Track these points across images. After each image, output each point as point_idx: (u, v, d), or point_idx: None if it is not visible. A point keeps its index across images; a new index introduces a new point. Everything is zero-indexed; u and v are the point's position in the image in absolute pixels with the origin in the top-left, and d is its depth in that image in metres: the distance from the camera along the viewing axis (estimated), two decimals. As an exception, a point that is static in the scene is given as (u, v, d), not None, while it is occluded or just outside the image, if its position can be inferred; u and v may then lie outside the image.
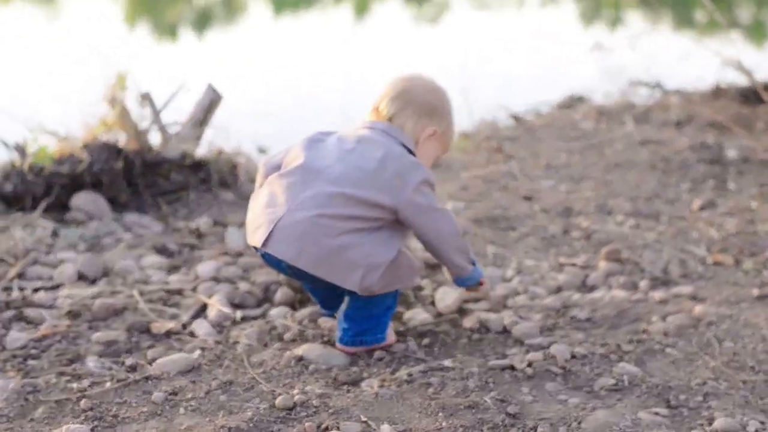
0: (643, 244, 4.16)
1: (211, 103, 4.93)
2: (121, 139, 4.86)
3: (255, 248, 2.94)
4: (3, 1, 17.44)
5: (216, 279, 3.70)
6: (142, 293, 3.53)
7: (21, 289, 3.58)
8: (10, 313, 3.32)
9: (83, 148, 4.62)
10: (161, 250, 4.05)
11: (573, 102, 7.56)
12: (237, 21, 16.08)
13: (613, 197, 4.87)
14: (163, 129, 4.95)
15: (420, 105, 3.03)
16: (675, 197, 4.95)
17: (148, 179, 4.81)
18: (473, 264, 3.03)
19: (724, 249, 4.14)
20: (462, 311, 3.40)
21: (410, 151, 2.98)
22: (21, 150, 4.64)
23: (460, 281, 3.08)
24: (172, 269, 3.85)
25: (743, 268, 3.95)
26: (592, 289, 3.72)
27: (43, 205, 4.48)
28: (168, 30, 14.28)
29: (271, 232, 2.84)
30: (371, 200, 2.83)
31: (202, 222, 4.40)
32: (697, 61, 7.68)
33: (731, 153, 5.66)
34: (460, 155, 5.65)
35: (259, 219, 2.91)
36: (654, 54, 8.62)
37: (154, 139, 5.02)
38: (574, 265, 3.93)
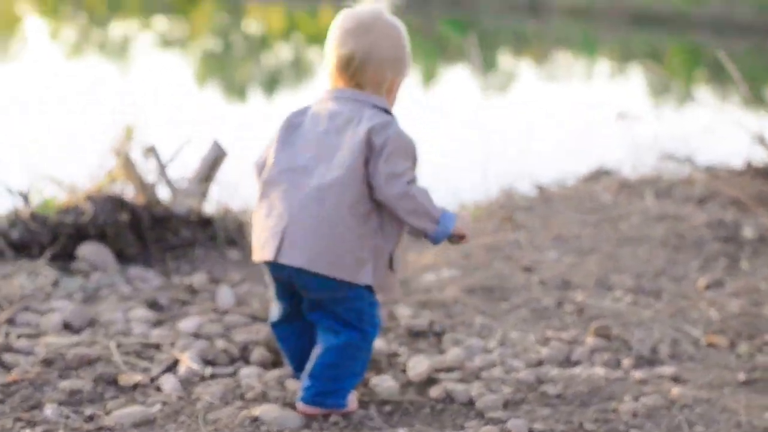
0: (637, 321, 4.12)
1: (216, 159, 5.01)
2: (129, 192, 4.94)
3: (266, 263, 2.93)
4: (76, 53, 17.93)
5: (197, 335, 3.74)
6: (119, 345, 3.57)
7: (7, 334, 3.64)
8: (-15, 358, 3.38)
9: (87, 199, 4.70)
10: (152, 305, 4.10)
11: (599, 175, 7.56)
12: (305, 83, 16.33)
13: (617, 272, 4.85)
14: (169, 183, 5.03)
15: (385, 60, 2.94)
16: (683, 275, 4.91)
17: (157, 233, 4.89)
18: (437, 222, 2.85)
19: (722, 330, 4.10)
20: (432, 380, 3.40)
21: (385, 110, 2.93)
22: (25, 198, 4.73)
23: (431, 240, 2.94)
24: (157, 323, 3.89)
25: (737, 351, 3.91)
26: (575, 364, 3.70)
27: (48, 253, 4.56)
28: (237, 90, 14.54)
29: (281, 242, 2.83)
30: (346, 179, 2.82)
31: (197, 278, 4.46)
32: (736, 137, 7.65)
33: (748, 232, 5.60)
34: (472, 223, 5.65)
35: (263, 234, 2.90)
36: (694, 127, 8.59)
37: (164, 193, 5.10)
38: (560, 339, 3.91)
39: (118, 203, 4.78)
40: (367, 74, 2.92)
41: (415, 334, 3.87)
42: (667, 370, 3.62)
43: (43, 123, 8.83)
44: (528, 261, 4.98)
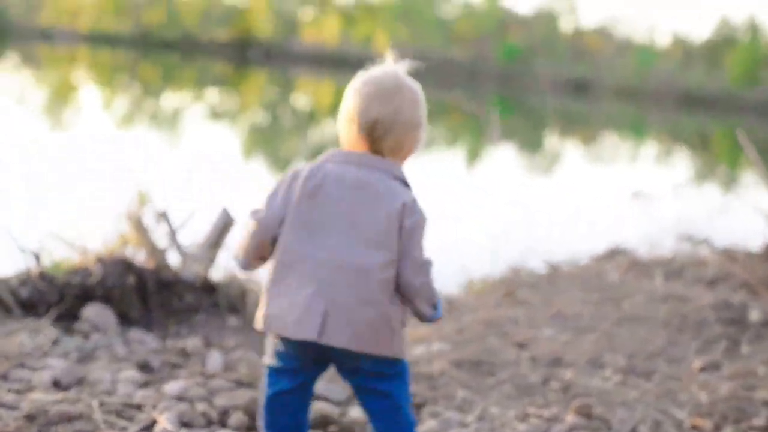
0: (622, 401, 4.15)
1: (224, 226, 5.15)
2: (140, 255, 5.08)
3: (293, 340, 2.78)
4: (127, 122, 18.33)
5: (180, 398, 3.83)
6: (102, 404, 3.67)
7: (-3, 389, 3.76)
8: (-28, 411, 3.50)
9: (96, 261, 4.84)
10: (143, 366, 4.21)
11: (613, 254, 7.61)
12: None
13: (611, 351, 4.89)
14: (179, 248, 5.17)
15: (408, 127, 2.86)
16: (680, 356, 4.93)
17: (162, 297, 5.02)
18: (435, 307, 2.83)
19: (708, 413, 4.11)
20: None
21: (404, 181, 2.85)
22: (36, 257, 4.89)
23: (425, 321, 2.87)
24: (144, 385, 3.99)
25: (720, 435, 3.92)
26: (553, 442, 3.74)
27: (53, 313, 4.69)
28: (281, 162, 14.76)
29: (323, 321, 2.70)
30: (387, 260, 2.73)
31: (190, 342, 4.56)
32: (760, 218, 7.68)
33: (754, 315, 5.60)
34: (472, 298, 5.73)
35: (294, 310, 2.74)
36: (716, 207, 8.64)
37: (174, 258, 5.23)
38: (540, 416, 3.95)
39: (126, 266, 4.93)
40: (389, 141, 2.83)
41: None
42: (644, 451, 3.65)
43: (67, 185, 9.06)
44: (522, 337, 5.04)
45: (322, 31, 49.85)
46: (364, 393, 2.89)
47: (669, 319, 5.52)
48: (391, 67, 2.91)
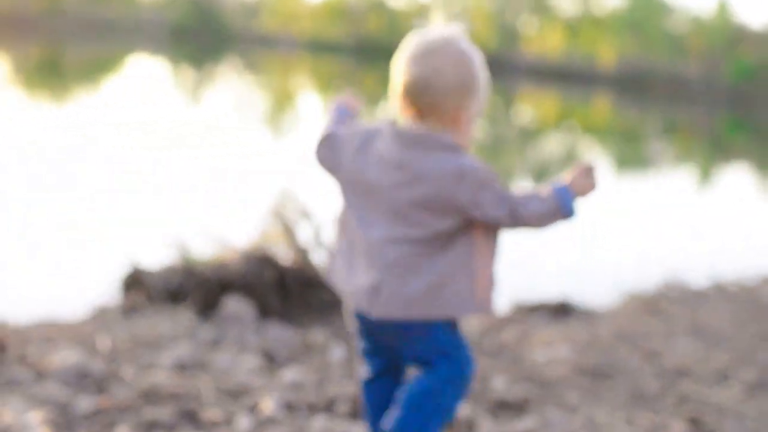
0: (738, 414, 4.15)
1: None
2: (282, 252, 5.37)
3: (358, 318, 2.93)
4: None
5: (293, 385, 4.08)
6: (216, 386, 3.96)
7: (121, 366, 4.11)
8: (93, 383, 3.86)
9: (239, 256, 5.17)
10: (266, 355, 4.50)
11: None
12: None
13: (743, 366, 4.86)
14: (322, 247, 5.43)
15: (450, 88, 2.76)
16: (818, 377, 4.85)
17: (302, 293, 5.30)
18: (559, 208, 2.77)
19: (832, 434, 4.07)
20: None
21: (452, 147, 2.77)
22: (183, 251, 5.26)
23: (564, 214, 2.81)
24: (262, 371, 4.27)
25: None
26: (654, 448, 3.80)
27: (193, 303, 5.05)
28: (504, 176, 14.96)
29: (374, 296, 2.79)
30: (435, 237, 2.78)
31: (318, 335, 4.81)
32: None
33: None
34: (618, 310, 5.80)
35: (352, 280, 2.86)
36: None
37: (318, 256, 5.51)
38: (647, 423, 3.99)
39: (266, 262, 5.23)
40: (428, 103, 2.76)
41: (503, 405, 4.06)
42: (744, 465, 3.66)
43: (229, 181, 9.55)
44: (652, 349, 5.07)
45: (545, 42, 49.74)
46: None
47: (815, 339, 5.42)
48: (441, 28, 2.82)
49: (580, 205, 2.79)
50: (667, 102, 40.84)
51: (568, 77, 46.75)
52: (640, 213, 11.16)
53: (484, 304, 2.83)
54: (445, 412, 2.92)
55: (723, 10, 52.11)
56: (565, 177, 2.80)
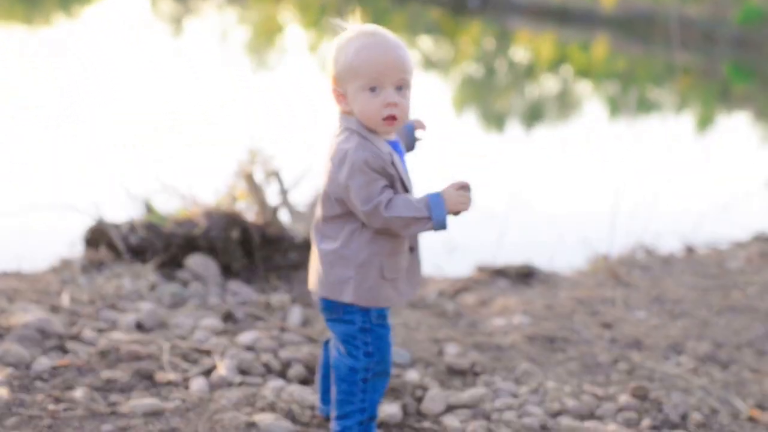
0: (684, 387, 4.44)
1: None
2: (250, 211, 5.64)
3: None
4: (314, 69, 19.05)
5: (249, 348, 4.37)
6: (173, 347, 4.25)
7: (83, 326, 4.39)
8: (53, 342, 4.14)
9: (203, 214, 5.44)
10: (227, 316, 4.78)
11: (758, 241, 7.73)
12: (570, 119, 16.88)
13: (698, 339, 5.15)
14: (289, 207, 5.71)
15: (338, 72, 3.10)
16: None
17: (267, 253, 5.58)
18: (429, 218, 2.99)
19: (772, 406, 4.34)
20: (440, 414, 3.91)
21: (349, 129, 3.09)
22: (147, 206, 5.52)
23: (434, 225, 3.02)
24: (221, 333, 4.56)
25: (777, 428, 4.15)
26: (598, 419, 4.09)
27: (157, 260, 5.32)
28: (495, 120, 15.19)
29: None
30: (329, 207, 3.16)
31: (277, 297, 5.10)
32: None
33: None
34: (575, 275, 6.08)
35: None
36: None
37: (284, 216, 5.78)
38: (594, 394, 4.29)
39: (231, 220, 5.49)
40: (332, 91, 3.15)
41: (453, 372, 4.36)
42: (683, 437, 3.95)
43: (195, 133, 9.78)
44: (610, 318, 5.36)
45: (545, -19, 49.64)
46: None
47: (776, 311, 5.72)
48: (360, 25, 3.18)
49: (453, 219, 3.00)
50: (669, 46, 40.90)
51: (568, 18, 46.63)
52: (623, 167, 11.39)
53: (366, 297, 3.15)
54: (360, 399, 3.32)
55: (734, -50, 52.04)
56: (441, 191, 3.00)
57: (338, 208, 3.11)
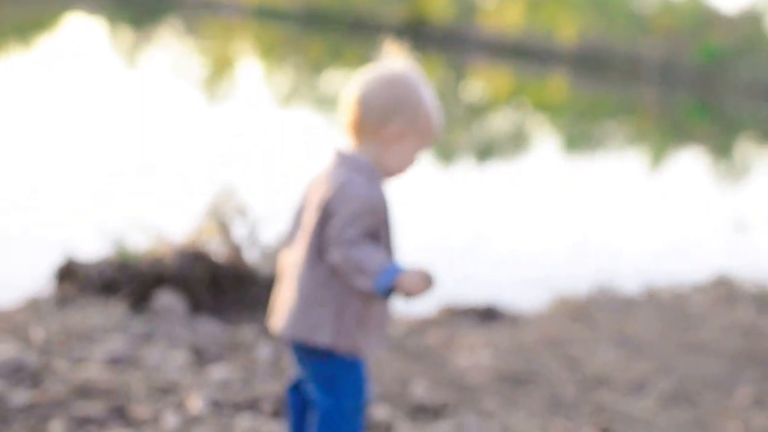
0: (647, 425, 4.60)
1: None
2: (219, 249, 5.75)
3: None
4: (284, 101, 19.21)
5: (220, 382, 4.47)
6: (145, 382, 4.34)
7: (55, 359, 4.47)
8: (27, 377, 4.22)
9: (172, 251, 5.55)
10: (196, 351, 4.88)
11: (718, 284, 7.92)
12: (525, 154, 17.09)
13: (662, 377, 5.31)
14: (256, 244, 5.83)
15: (375, 106, 3.03)
16: (732, 389, 5.29)
17: (234, 290, 5.69)
18: (374, 278, 2.92)
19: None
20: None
21: (360, 167, 3.03)
22: (117, 243, 5.62)
23: (377, 296, 2.98)
24: (190, 367, 4.65)
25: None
26: (558, 455, 4.23)
27: (126, 295, 5.42)
28: (449, 155, 15.27)
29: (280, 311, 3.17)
30: (312, 244, 3.03)
31: (247, 332, 5.20)
32: None
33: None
34: (546, 314, 6.24)
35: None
36: None
37: (253, 252, 5.90)
38: (559, 431, 4.43)
39: (200, 258, 5.60)
40: (354, 120, 3.05)
41: (419, 409, 4.48)
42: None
43: (165, 167, 9.87)
44: (576, 356, 5.51)
45: (503, 17, 50.08)
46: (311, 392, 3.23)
47: (739, 352, 5.88)
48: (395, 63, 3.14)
49: (400, 296, 2.93)
50: (627, 82, 41.42)
51: (525, 53, 47.17)
52: (581, 205, 11.61)
53: (344, 341, 3.06)
54: None
55: (696, -8, 52.83)
56: (405, 268, 2.90)
57: (319, 248, 3.04)
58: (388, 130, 3.03)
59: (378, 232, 3.01)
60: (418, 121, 3.05)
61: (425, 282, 2.90)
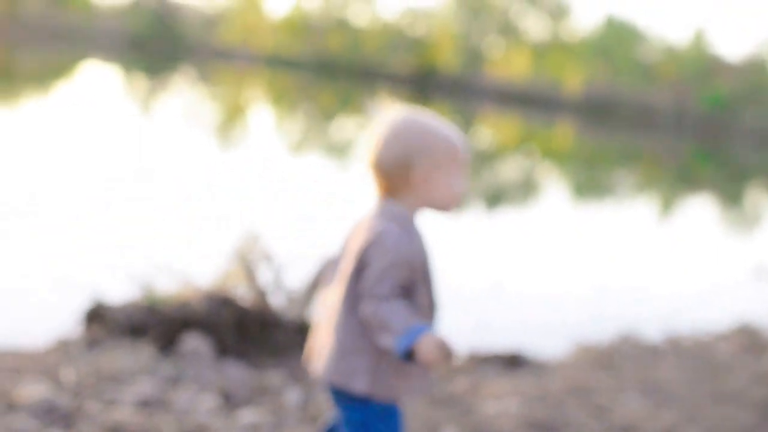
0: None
1: (323, 269, 5.74)
2: (245, 293, 5.74)
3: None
4: (297, 148, 19.24)
5: (250, 426, 4.44)
6: (175, 424, 4.30)
7: (85, 401, 4.44)
8: (59, 418, 4.19)
9: (200, 295, 5.53)
10: (225, 394, 4.85)
11: (740, 332, 7.87)
12: (533, 202, 17.07)
13: (691, 426, 5.25)
14: (281, 289, 5.80)
15: (393, 167, 3.02)
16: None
17: (260, 334, 5.67)
18: (397, 338, 2.87)
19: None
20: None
21: (393, 216, 3.02)
22: (145, 287, 5.61)
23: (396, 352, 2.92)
24: (219, 411, 4.62)
25: None
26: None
27: (154, 339, 5.40)
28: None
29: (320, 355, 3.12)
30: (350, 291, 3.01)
31: (275, 377, 5.16)
32: None
33: None
34: (569, 362, 6.19)
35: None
36: None
37: (278, 297, 5.88)
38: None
39: (226, 302, 5.60)
40: (383, 185, 3.05)
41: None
42: None
43: (191, 213, 9.87)
44: (603, 404, 5.45)
45: (510, 66, 50.34)
46: None
47: (766, 401, 5.82)
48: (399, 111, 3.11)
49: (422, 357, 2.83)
50: (633, 130, 41.57)
51: (532, 102, 47.40)
52: (594, 251, 11.59)
53: (383, 389, 3.01)
54: None
55: (699, 40, 53.12)
56: (429, 335, 2.83)
57: (355, 297, 3.01)
58: (416, 177, 3.02)
59: (414, 284, 2.99)
60: (438, 154, 3.03)
61: (442, 352, 2.84)
